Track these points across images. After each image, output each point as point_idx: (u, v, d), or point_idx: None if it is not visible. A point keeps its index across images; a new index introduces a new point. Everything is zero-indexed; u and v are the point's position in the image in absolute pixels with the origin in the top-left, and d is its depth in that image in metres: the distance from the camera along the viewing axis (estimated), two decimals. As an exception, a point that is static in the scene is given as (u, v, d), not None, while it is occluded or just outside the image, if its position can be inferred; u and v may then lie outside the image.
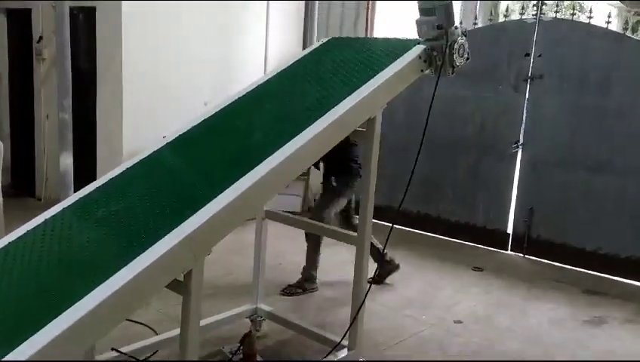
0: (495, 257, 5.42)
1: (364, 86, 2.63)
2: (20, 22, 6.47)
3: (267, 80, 3.13)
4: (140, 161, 2.65)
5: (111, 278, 1.76)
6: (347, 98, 2.56)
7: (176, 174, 2.52)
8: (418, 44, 2.91)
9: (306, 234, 4.23)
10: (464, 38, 2.94)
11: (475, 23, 5.63)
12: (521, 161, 5.45)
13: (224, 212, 2.03)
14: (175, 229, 1.96)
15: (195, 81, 5.69)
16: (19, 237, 2.21)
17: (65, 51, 4.33)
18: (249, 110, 2.92)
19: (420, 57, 2.89)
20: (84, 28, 5.71)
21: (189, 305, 2.01)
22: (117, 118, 5.39)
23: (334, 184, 4.20)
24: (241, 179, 2.13)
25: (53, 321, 1.60)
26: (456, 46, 2.88)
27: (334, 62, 3.08)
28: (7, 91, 6.87)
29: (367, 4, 6.50)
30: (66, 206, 2.41)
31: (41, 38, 6.17)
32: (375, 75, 2.71)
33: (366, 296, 2.88)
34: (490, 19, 5.57)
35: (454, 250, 5.58)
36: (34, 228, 2.27)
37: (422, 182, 5.98)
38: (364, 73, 2.79)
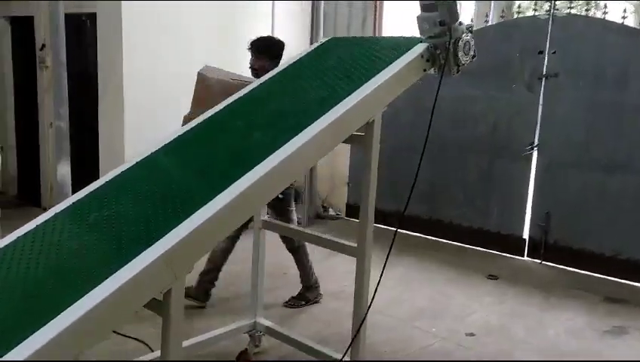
0: (510, 264, 5.20)
1: (359, 89, 2.46)
2: (23, 29, 6.42)
3: (262, 81, 2.98)
4: (137, 163, 2.52)
5: (79, 300, 1.62)
6: (335, 106, 2.39)
7: (171, 176, 2.38)
8: (421, 42, 2.74)
9: (289, 248, 4.04)
10: (470, 34, 2.75)
11: (486, 21, 5.43)
12: (536, 162, 5.23)
13: (206, 226, 1.88)
14: (155, 244, 1.82)
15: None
16: (6, 245, 2.09)
17: (60, 58, 4.22)
18: (243, 111, 2.78)
19: (422, 56, 2.71)
20: (92, 34, 5.63)
21: (169, 328, 1.85)
22: (119, 124, 5.29)
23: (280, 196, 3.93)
24: (228, 188, 1.98)
25: (31, 336, 1.50)
26: (460, 43, 2.71)
27: (332, 63, 2.93)
28: (12, 101, 6.82)
29: (375, 5, 6.34)
30: (58, 211, 2.28)
31: (43, 45, 6.10)
32: (373, 76, 2.55)
33: (368, 309, 2.70)
34: (502, 17, 5.36)
35: (467, 256, 5.37)
36: (24, 234, 2.15)
37: (432, 185, 5.81)
38: (362, 74, 2.63)
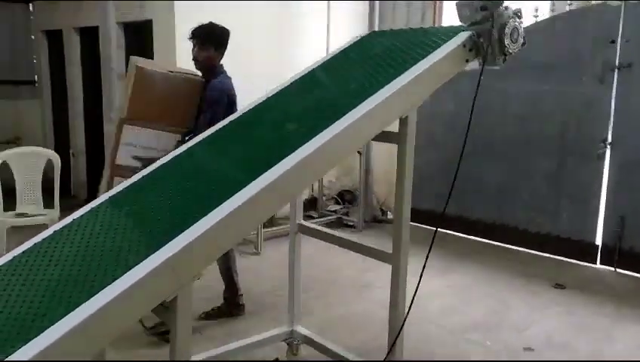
0: (580, 272, 4.79)
1: (386, 86, 2.28)
2: (91, 40, 6.64)
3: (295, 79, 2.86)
4: (173, 157, 2.47)
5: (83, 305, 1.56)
6: (365, 101, 2.22)
7: (198, 173, 2.32)
8: (463, 30, 2.52)
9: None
10: (518, 19, 2.52)
11: (552, 10, 5.05)
12: (610, 162, 4.79)
13: (214, 230, 1.77)
14: (159, 250, 1.73)
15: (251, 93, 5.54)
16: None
17: (110, 64, 4.29)
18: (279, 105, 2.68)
19: (464, 45, 2.50)
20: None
21: (175, 337, 1.76)
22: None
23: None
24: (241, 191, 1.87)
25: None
26: (507, 30, 2.48)
27: (370, 55, 2.77)
28: (81, 108, 7.08)
29: (434, 4, 6.10)
30: (94, 205, 2.25)
31: (107, 54, 6.27)
32: (406, 70, 2.36)
33: (404, 321, 2.51)
34: (570, 4, 4.97)
35: (533, 263, 5.00)
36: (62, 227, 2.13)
37: (497, 188, 5.49)
38: (394, 68, 2.45)
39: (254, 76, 5.48)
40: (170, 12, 5.24)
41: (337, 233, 2.98)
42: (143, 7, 5.65)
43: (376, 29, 6.00)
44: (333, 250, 3.88)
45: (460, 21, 2.50)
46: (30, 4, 7.78)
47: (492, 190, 5.53)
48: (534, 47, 5.13)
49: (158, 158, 2.53)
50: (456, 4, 2.46)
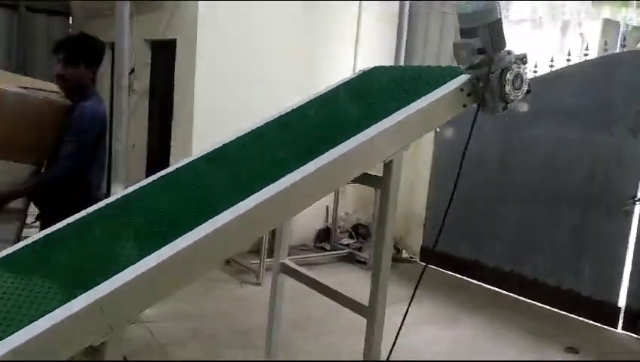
0: (599, 336, 4.44)
1: (372, 126, 2.11)
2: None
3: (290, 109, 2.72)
4: (160, 177, 2.28)
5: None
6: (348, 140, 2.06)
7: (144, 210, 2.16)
8: (463, 72, 2.34)
9: None
10: (522, 65, 2.31)
11: (586, 54, 4.79)
12: (639, 219, 4.46)
13: (152, 274, 1.62)
14: (90, 291, 1.59)
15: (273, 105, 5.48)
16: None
17: (122, 82, 4.26)
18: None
19: (461, 89, 2.31)
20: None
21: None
22: (187, 147, 5.31)
23: None
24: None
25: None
26: (508, 76, 2.27)
27: (361, 93, 2.61)
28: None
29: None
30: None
31: (132, 70, 6.30)
32: (393, 112, 2.19)
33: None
34: (606, 50, 4.71)
35: (548, 320, 4.67)
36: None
37: (517, 235, 5.19)
38: (385, 107, 2.28)
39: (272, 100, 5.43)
40: (192, 31, 5.23)
41: (314, 276, 2.77)
42: (169, 26, 5.67)
43: (404, 38, 5.81)
44: (349, 284, 3.66)
45: (457, 63, 2.32)
46: (70, 18, 7.96)
47: (511, 237, 5.24)
48: (564, 92, 4.89)
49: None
50: (454, 45, 2.28)
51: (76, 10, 7.71)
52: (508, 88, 2.29)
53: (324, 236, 6.28)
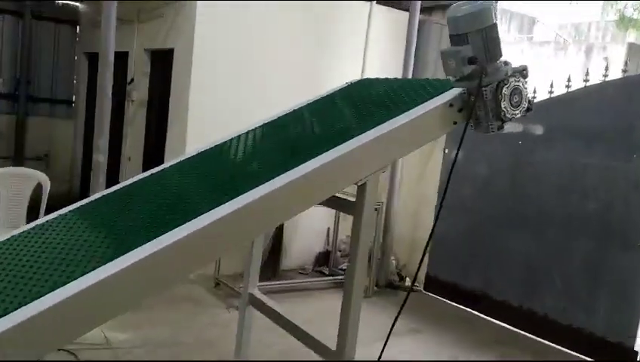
0: (613, 381, 4.05)
1: (349, 142, 1.84)
2: (120, 64, 6.54)
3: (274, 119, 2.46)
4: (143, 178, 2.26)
5: None
6: (317, 157, 1.79)
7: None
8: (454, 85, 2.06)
9: None
10: (521, 79, 2.02)
11: (605, 75, 4.45)
12: (660, 255, 4.09)
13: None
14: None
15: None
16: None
17: (106, 90, 4.05)
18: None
19: (451, 105, 2.02)
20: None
21: None
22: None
23: None
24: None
25: None
26: (505, 90, 1.98)
27: (345, 105, 2.34)
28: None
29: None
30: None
31: (132, 80, 6.13)
32: (369, 129, 1.91)
33: None
34: (625, 71, 4.37)
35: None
36: None
37: (527, 267, 4.83)
38: (363, 124, 2.00)
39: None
40: (189, 40, 5.03)
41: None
42: (168, 36, 5.48)
43: (414, 44, 5.53)
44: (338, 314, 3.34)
45: (446, 74, 2.02)
46: (77, 26, 7.85)
47: (521, 268, 4.88)
48: (581, 114, 4.55)
49: None
50: (441, 52, 1.99)
51: (84, 18, 7.59)
52: (504, 104, 1.99)
53: (323, 260, 5.97)
